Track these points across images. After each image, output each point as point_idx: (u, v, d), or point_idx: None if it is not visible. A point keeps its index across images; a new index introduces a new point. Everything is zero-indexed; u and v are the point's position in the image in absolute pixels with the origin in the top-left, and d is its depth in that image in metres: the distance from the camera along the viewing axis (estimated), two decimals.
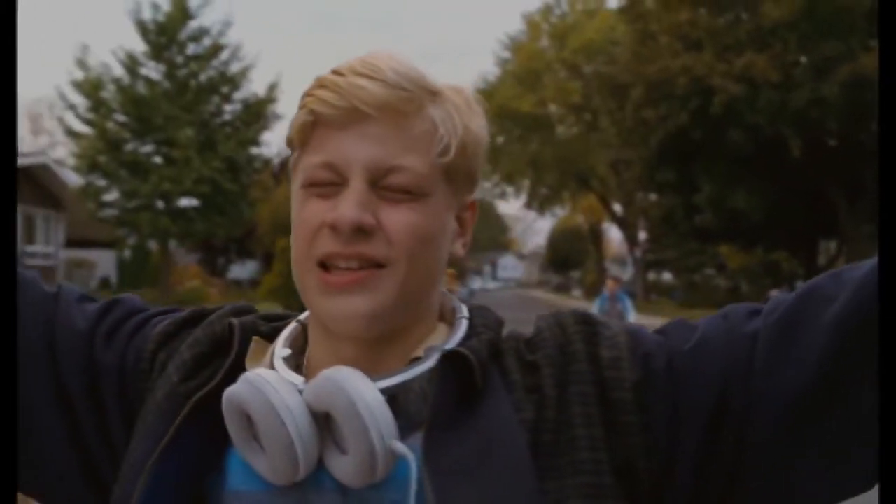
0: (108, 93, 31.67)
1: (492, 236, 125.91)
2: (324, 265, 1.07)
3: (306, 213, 1.09)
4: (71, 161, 34.03)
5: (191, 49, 32.28)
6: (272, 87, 33.58)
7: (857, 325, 1.03)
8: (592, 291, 75.79)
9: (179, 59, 32.17)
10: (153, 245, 36.48)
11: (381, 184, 1.07)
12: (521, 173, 60.46)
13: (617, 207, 59.20)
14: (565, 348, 1.11)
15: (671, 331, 1.15)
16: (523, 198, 64.36)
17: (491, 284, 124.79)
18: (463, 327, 1.15)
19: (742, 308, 1.13)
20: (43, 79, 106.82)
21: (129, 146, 32.17)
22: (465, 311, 1.18)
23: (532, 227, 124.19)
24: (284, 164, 40.79)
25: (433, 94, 1.11)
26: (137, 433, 1.14)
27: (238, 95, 33.26)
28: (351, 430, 1.01)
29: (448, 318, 1.19)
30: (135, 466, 1.09)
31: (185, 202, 31.40)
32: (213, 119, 32.46)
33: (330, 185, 1.08)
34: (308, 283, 1.10)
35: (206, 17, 32.72)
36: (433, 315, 1.18)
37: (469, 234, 1.22)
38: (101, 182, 32.17)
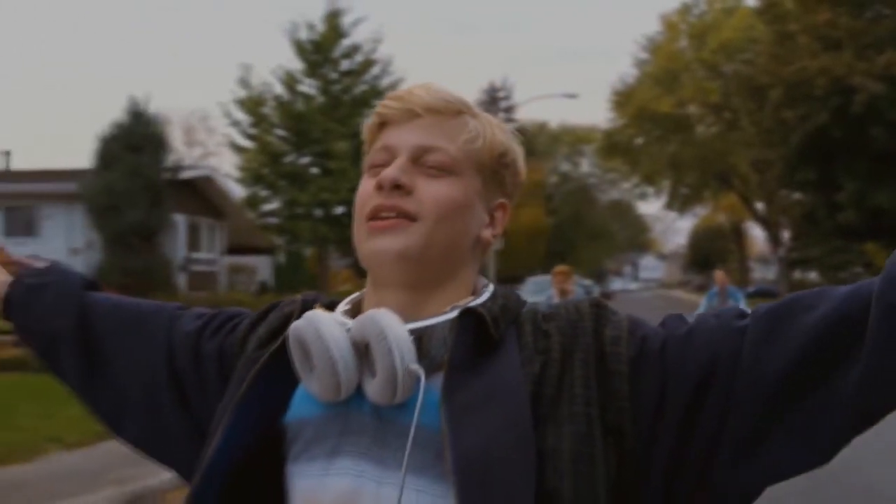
0: (269, 109, 33.59)
1: (631, 237, 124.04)
2: (370, 218, 1.33)
3: (364, 187, 1.36)
4: (224, 170, 35.94)
5: (344, 65, 33.82)
6: None
7: (833, 328, 1.18)
8: None
9: (333, 76, 33.74)
10: (308, 251, 38.08)
11: (420, 161, 1.34)
12: (660, 174, 60.10)
13: (759, 206, 58.34)
14: (576, 324, 1.30)
15: (668, 321, 1.34)
16: (663, 198, 63.82)
17: (632, 285, 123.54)
18: (486, 295, 1.35)
19: (731, 310, 1.31)
20: (196, 93, 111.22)
21: (289, 158, 33.93)
22: (491, 286, 1.39)
23: (672, 226, 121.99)
24: None
25: (469, 108, 1.41)
26: (227, 392, 1.40)
27: None
28: (379, 352, 1.22)
29: (478, 292, 1.38)
30: (223, 409, 1.36)
31: (341, 210, 32.84)
32: None
33: (383, 165, 1.35)
34: (360, 236, 1.35)
35: (358, 35, 34.06)
36: (466, 287, 1.38)
37: (499, 228, 1.43)
38: (264, 192, 34.12)
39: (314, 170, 33.49)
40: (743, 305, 11.71)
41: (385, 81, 34.27)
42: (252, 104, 33.12)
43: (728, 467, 1.22)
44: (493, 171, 1.40)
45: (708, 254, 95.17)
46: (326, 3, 33.86)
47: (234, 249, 36.99)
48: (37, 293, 1.61)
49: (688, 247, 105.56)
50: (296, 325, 1.28)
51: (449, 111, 1.37)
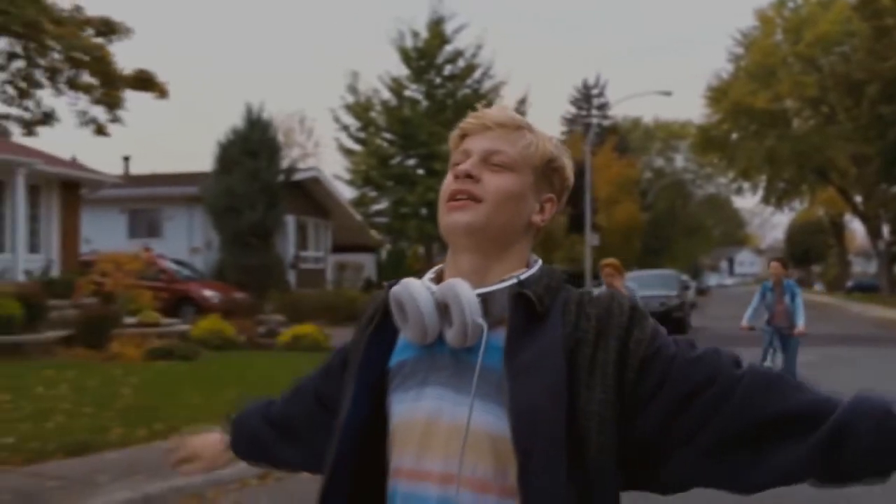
0: (376, 114, 34.98)
1: (728, 232, 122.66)
2: (449, 200, 1.70)
3: (446, 180, 1.73)
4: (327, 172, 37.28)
5: (447, 70, 35.11)
6: (521, 101, 36.03)
7: (802, 415, 1.51)
8: (835, 286, 73.82)
9: (437, 81, 35.05)
10: (408, 248, 39.30)
11: (488, 160, 1.70)
12: (757, 169, 59.77)
13: (858, 199, 57.77)
14: (613, 317, 1.62)
15: (681, 343, 1.64)
16: (760, 193, 63.38)
17: (728, 281, 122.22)
18: (535, 268, 1.72)
19: (727, 358, 1.61)
20: (293, 96, 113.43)
21: (396, 161, 35.37)
22: (539, 262, 1.74)
23: (770, 221, 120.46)
24: None
25: (528, 125, 1.77)
26: (347, 372, 1.82)
27: None
28: (455, 308, 1.60)
29: (530, 265, 1.74)
30: (347, 379, 1.78)
31: None
32: None
33: (456, 164, 1.74)
34: (441, 214, 1.72)
35: (460, 41, 35.24)
36: (521, 260, 1.74)
37: (547, 215, 1.78)
38: (373, 193, 35.51)
39: (420, 171, 34.83)
40: (800, 301, 11.48)
41: (487, 85, 35.45)
42: (360, 109, 34.57)
43: (684, 457, 1.58)
44: (543, 172, 1.77)
45: (806, 248, 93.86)
46: (429, 11, 35.15)
47: (338, 247, 38.28)
48: (239, 437, 2.14)
49: (785, 241, 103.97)
50: (394, 290, 1.68)
51: (512, 126, 1.75)
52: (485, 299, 1.64)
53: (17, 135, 22.34)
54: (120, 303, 17.99)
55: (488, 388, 1.60)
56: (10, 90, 11.27)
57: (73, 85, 10.91)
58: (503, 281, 1.67)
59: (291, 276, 32.50)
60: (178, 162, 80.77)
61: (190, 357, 16.20)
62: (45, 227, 24.15)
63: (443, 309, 1.64)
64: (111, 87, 10.44)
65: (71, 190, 25.14)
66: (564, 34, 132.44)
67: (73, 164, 24.79)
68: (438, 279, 1.74)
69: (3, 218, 22.63)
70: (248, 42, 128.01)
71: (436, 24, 34.72)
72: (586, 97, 79.13)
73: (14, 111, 11.51)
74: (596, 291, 1.78)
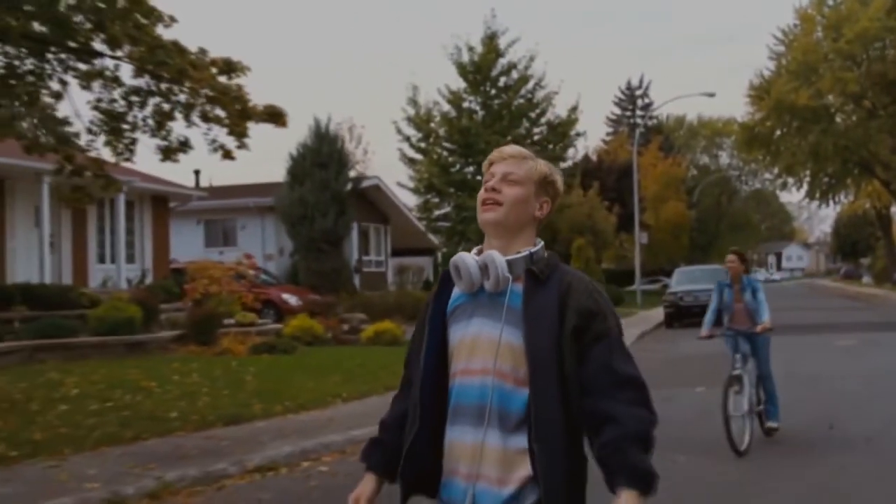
0: (436, 124, 37.00)
1: (774, 227, 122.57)
2: (482, 204, 2.64)
3: (481, 190, 2.66)
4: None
5: (502, 82, 37.05)
6: (573, 109, 37.90)
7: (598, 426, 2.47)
8: (882, 278, 74.26)
9: (493, 92, 37.00)
10: (465, 250, 41.02)
11: (506, 178, 2.63)
12: (801, 164, 60.44)
13: None
14: (582, 293, 2.58)
15: (614, 330, 2.59)
16: (804, 188, 64.03)
17: (776, 275, 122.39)
18: (539, 246, 2.64)
19: (620, 353, 2.55)
20: (343, 106, 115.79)
21: (457, 168, 37.37)
22: (541, 242, 2.66)
23: (817, 214, 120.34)
24: (580, 174, 44.47)
25: (530, 155, 2.73)
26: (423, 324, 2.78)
27: (544, 119, 37.81)
28: (492, 267, 2.51)
29: (535, 244, 2.67)
30: (423, 328, 2.73)
31: None
32: (524, 140, 37.06)
33: (487, 181, 2.68)
34: (479, 213, 2.67)
35: (514, 54, 37.12)
36: (529, 241, 2.66)
37: (544, 212, 2.70)
38: (435, 199, 37.51)
39: (479, 177, 36.51)
40: (762, 297, 9.89)
41: (539, 94, 37.35)
42: (421, 121, 36.61)
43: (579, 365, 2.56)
44: (540, 184, 2.72)
45: (854, 241, 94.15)
46: (484, 27, 37.11)
47: (396, 251, 40.11)
48: (382, 466, 2.80)
49: (833, 235, 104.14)
50: (453, 259, 2.64)
51: (520, 157, 2.75)
52: (509, 263, 2.60)
53: (155, 160, 24.46)
54: (224, 305, 20.04)
55: (511, 318, 2.56)
56: (151, 122, 13.16)
57: (207, 118, 12.79)
58: (518, 253, 2.63)
59: (356, 279, 34.42)
60: (236, 171, 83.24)
61: (289, 351, 18.21)
62: (139, 239, 26.39)
63: (483, 269, 2.60)
64: (244, 119, 12.31)
65: (160, 204, 27.40)
66: (604, 30, 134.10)
67: (163, 180, 26.95)
68: (479, 254, 2.69)
69: (107, 232, 24.94)
70: (298, 52, 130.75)
71: (490, 39, 36.66)
72: (630, 98, 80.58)
73: (153, 140, 13.40)
74: (579, 275, 2.73)
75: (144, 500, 7.76)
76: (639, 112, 79.90)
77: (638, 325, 29.05)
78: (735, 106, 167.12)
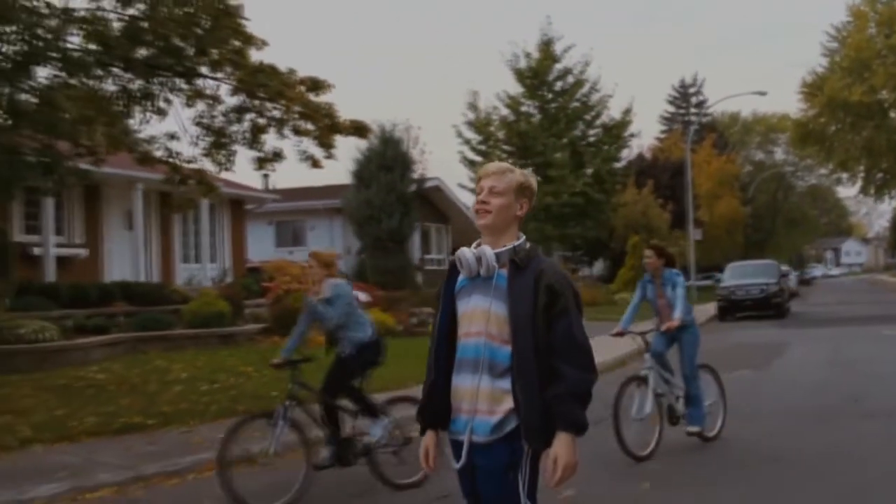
0: (495, 128, 38.54)
1: (832, 222, 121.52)
2: (477, 212, 3.62)
3: (475, 202, 3.70)
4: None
5: (558, 86, 38.48)
6: (626, 112, 39.19)
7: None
8: None
9: (549, 96, 38.45)
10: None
11: (492, 190, 3.58)
12: (855, 160, 60.60)
13: None
14: (551, 276, 3.50)
15: (573, 310, 3.49)
16: (858, 184, 64.06)
17: (833, 271, 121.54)
18: (521, 240, 3.58)
19: (579, 330, 3.49)
20: (397, 106, 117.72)
21: None
22: (523, 237, 3.60)
23: (876, 209, 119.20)
24: (637, 174, 45.58)
25: (511, 169, 3.68)
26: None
27: (599, 121, 39.14)
28: (483, 258, 3.52)
29: (518, 238, 3.59)
30: (437, 302, 3.77)
31: (562, 211, 37.32)
32: (580, 142, 38.44)
33: (481, 193, 3.63)
34: (476, 219, 3.65)
35: (569, 59, 38.56)
36: (514, 236, 3.58)
37: (523, 211, 3.63)
38: None
39: (537, 178, 37.96)
40: (681, 292, 9.22)
41: (594, 98, 38.68)
42: (481, 125, 38.18)
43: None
44: (518, 190, 3.60)
45: None
46: (539, 34, 38.61)
47: (455, 249, 41.31)
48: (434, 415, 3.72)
49: (890, 229, 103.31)
50: (456, 253, 3.59)
51: (500, 172, 3.62)
52: (497, 255, 3.53)
53: (250, 170, 25.98)
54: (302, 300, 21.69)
55: (498, 295, 3.50)
56: (247, 135, 14.78)
57: (298, 132, 14.36)
58: (504, 247, 3.56)
59: (419, 277, 35.95)
60: (299, 173, 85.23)
61: None
62: (218, 240, 28.22)
63: (478, 260, 3.54)
64: (332, 133, 13.83)
65: (238, 207, 29.20)
66: (657, 28, 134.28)
67: (241, 185, 28.74)
68: (477, 247, 3.59)
69: (191, 234, 26.82)
70: (350, 52, 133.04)
71: (546, 45, 38.08)
72: (684, 96, 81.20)
73: (249, 152, 15.03)
74: (551, 263, 3.67)
75: (266, 457, 9.33)
76: (692, 110, 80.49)
77: None
78: (789, 102, 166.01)
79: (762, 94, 44.70)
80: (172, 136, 14.77)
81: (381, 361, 8.31)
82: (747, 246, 67.16)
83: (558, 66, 38.43)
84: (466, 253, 3.54)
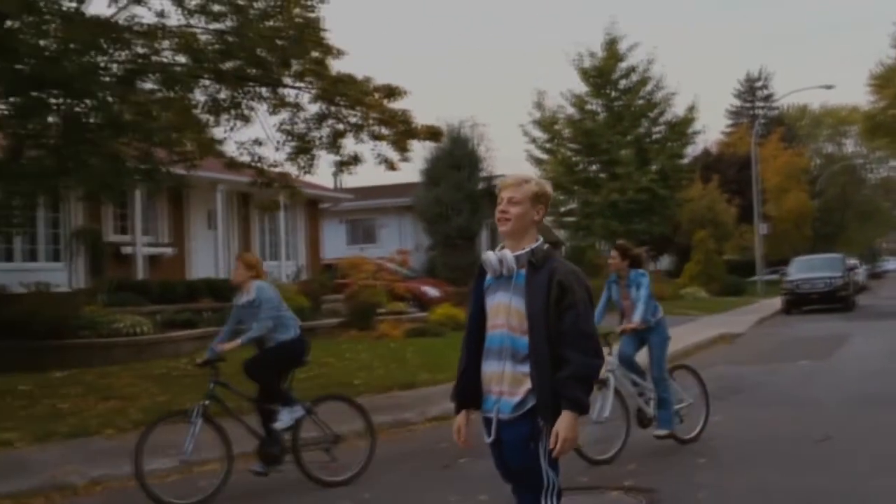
0: (561, 126, 39.27)
1: None
2: (498, 220, 4.16)
3: (497, 211, 4.18)
4: None
5: (622, 85, 39.06)
6: (691, 109, 39.63)
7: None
8: None
9: (614, 94, 39.05)
10: (588, 245, 43.18)
11: (511, 200, 4.11)
12: None
13: None
14: (564, 271, 4.03)
15: (580, 302, 3.97)
16: None
17: None
18: (538, 243, 4.12)
19: (586, 324, 3.97)
20: (461, 102, 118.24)
21: (581, 167, 39.60)
22: (541, 239, 4.15)
23: None
24: (702, 169, 45.84)
25: (528, 179, 4.21)
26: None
27: (663, 118, 39.64)
28: (504, 261, 4.06)
29: (537, 241, 4.13)
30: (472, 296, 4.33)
31: (628, 207, 37.92)
32: (645, 139, 38.97)
33: (501, 203, 4.17)
34: (498, 226, 4.20)
35: (633, 58, 39.15)
36: (532, 239, 4.11)
37: (540, 216, 4.17)
38: (562, 197, 39.80)
39: (603, 175, 38.84)
40: (644, 293, 8.93)
41: (658, 95, 39.16)
42: (547, 123, 38.94)
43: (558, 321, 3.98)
44: (534, 198, 4.14)
45: None
46: (604, 33, 39.29)
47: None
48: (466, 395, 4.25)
49: None
50: (482, 257, 4.19)
51: (516, 183, 4.16)
52: (517, 257, 4.05)
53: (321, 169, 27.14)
54: (377, 296, 22.68)
55: (517, 292, 4.01)
56: (327, 140, 15.74)
57: (375, 136, 15.27)
58: (523, 249, 4.07)
59: None
60: (367, 171, 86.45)
61: (439, 334, 20.65)
62: (293, 239, 29.35)
63: (500, 262, 4.06)
64: (408, 138, 14.72)
65: (313, 206, 30.30)
66: (723, 20, 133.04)
67: (317, 185, 29.82)
68: (501, 250, 4.11)
69: (268, 232, 27.99)
70: (415, 51, 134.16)
71: (611, 45, 38.68)
72: (751, 89, 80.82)
73: (329, 156, 16.01)
74: (563, 262, 4.12)
75: (356, 437, 10.21)
76: (759, 103, 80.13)
77: (757, 312, 30.60)
78: (859, 93, 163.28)
79: (829, 87, 44.92)
80: (258, 142, 15.80)
81: (306, 361, 8.49)
82: (816, 240, 66.73)
83: (623, 65, 38.99)
84: (491, 256, 4.10)
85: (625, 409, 8.83)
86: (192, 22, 13.85)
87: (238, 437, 7.97)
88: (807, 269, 32.64)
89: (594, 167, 39.74)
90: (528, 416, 3.98)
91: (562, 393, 3.88)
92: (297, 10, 14.32)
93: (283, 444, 8.07)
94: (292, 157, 15.87)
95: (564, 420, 3.86)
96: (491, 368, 4.09)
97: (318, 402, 8.49)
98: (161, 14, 13.32)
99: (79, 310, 16.00)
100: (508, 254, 4.03)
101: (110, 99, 12.59)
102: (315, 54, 14.97)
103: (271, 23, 14.26)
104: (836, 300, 31.19)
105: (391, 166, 15.69)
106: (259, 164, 16.17)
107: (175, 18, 13.69)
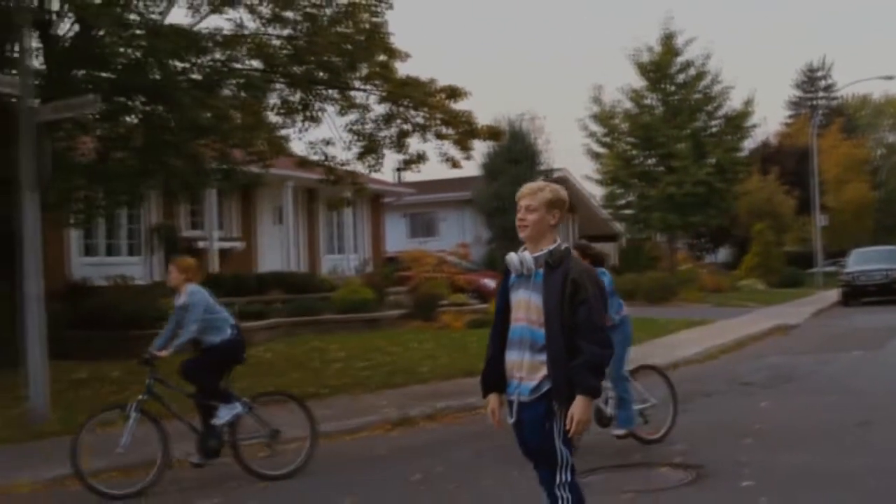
0: (619, 120, 39.73)
1: None
2: (518, 226, 4.62)
3: (517, 218, 4.66)
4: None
5: (679, 79, 39.36)
6: (748, 103, 39.79)
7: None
8: None
9: (671, 88, 39.36)
10: (645, 239, 43.69)
11: (528, 209, 4.57)
12: None
13: None
14: (577, 270, 4.53)
15: (592, 297, 4.45)
16: None
17: None
18: (555, 245, 4.58)
19: (598, 319, 4.47)
20: (520, 96, 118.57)
21: (638, 161, 40.01)
22: (559, 240, 4.64)
23: None
24: (761, 161, 45.90)
25: (543, 188, 4.65)
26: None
27: (720, 112, 39.87)
28: (524, 262, 4.57)
29: (555, 243, 4.60)
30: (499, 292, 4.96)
31: (686, 201, 38.19)
32: (702, 133, 39.21)
33: (520, 211, 4.63)
34: (518, 231, 4.66)
35: (690, 52, 39.45)
36: (551, 242, 4.58)
37: (557, 221, 4.63)
38: (620, 190, 40.28)
39: (660, 168, 39.17)
40: (619, 310, 8.82)
41: (715, 89, 39.39)
42: (605, 118, 39.42)
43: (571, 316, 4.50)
44: (550, 204, 4.59)
45: None
46: (661, 28, 39.61)
47: (582, 238, 42.29)
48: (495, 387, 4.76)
49: None
50: (505, 258, 4.71)
51: (534, 191, 4.63)
52: (536, 258, 4.55)
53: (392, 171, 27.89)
54: (439, 288, 23.47)
55: (536, 289, 4.52)
56: (393, 140, 16.53)
57: (439, 136, 16.01)
58: (541, 251, 4.55)
59: None
60: (428, 166, 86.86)
61: None
62: (359, 232, 30.26)
63: (521, 263, 4.56)
64: (470, 137, 15.44)
65: (376, 201, 31.17)
66: (783, 11, 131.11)
67: (381, 181, 30.67)
68: (523, 251, 4.59)
69: (334, 226, 28.94)
70: (470, 44, 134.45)
71: (667, 39, 39.03)
72: (811, 80, 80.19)
73: (395, 155, 16.84)
74: (578, 262, 4.65)
75: (425, 420, 10.99)
76: (820, 94, 79.50)
77: (815, 303, 30.81)
78: None
79: (889, 78, 44.37)
80: (328, 142, 16.63)
81: (242, 360, 8.59)
82: (877, 231, 66.13)
83: (680, 60, 39.24)
84: (513, 257, 4.59)
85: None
86: (267, 30, 14.72)
87: (177, 433, 8.28)
88: (865, 261, 32.73)
89: (651, 161, 39.98)
90: (543, 398, 4.47)
91: (575, 380, 4.36)
92: (364, 16, 15.09)
93: (221, 438, 8.23)
94: (361, 156, 16.65)
95: (579, 404, 4.34)
96: (513, 357, 4.59)
97: (258, 398, 8.70)
98: (240, 25, 14.18)
99: (156, 302, 16.85)
100: (528, 255, 4.55)
101: (191, 103, 13.42)
102: (381, 58, 15.74)
103: (340, 28, 15.04)
104: (894, 292, 31.25)
105: (454, 164, 16.41)
106: (329, 163, 16.99)
107: (251, 27, 14.57)
